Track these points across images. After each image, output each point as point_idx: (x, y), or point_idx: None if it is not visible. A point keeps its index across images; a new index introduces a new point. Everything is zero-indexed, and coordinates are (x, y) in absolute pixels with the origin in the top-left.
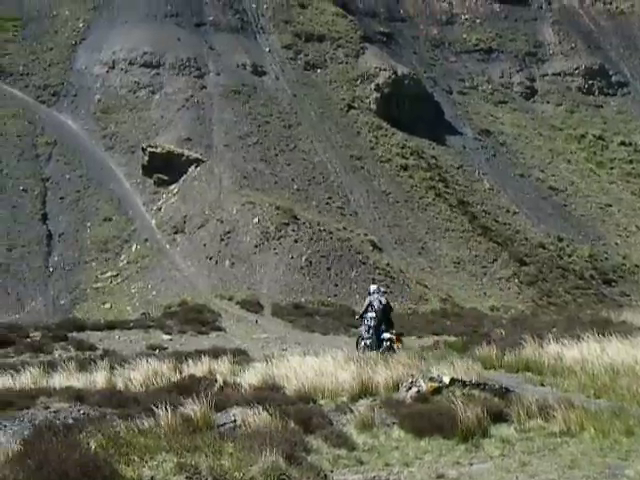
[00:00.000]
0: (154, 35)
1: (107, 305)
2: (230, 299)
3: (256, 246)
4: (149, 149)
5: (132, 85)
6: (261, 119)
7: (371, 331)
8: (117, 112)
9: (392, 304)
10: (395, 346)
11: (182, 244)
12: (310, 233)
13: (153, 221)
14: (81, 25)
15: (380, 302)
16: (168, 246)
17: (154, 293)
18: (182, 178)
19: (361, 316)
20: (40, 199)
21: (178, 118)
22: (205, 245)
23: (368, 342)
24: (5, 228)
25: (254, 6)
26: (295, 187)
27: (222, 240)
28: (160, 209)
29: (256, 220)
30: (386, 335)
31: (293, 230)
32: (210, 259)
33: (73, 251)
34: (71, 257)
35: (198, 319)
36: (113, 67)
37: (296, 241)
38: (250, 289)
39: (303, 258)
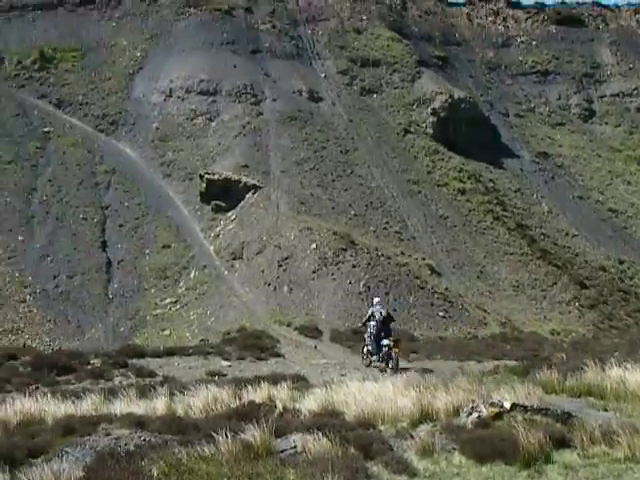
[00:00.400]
0: (210, 63)
1: (166, 332)
2: (288, 325)
3: (314, 272)
4: (206, 176)
5: (189, 113)
6: (318, 145)
7: (372, 337)
8: (174, 140)
9: (393, 314)
10: (393, 351)
11: (240, 270)
12: (368, 258)
13: (211, 248)
14: (138, 54)
15: (381, 313)
16: (226, 272)
17: (213, 319)
18: (240, 205)
19: (364, 324)
20: (99, 227)
21: (235, 145)
22: (263, 271)
23: (370, 347)
24: (65, 256)
25: (309, 32)
26: (352, 212)
27: (280, 266)
28: (218, 236)
29: (314, 246)
30: (385, 342)
31: (351, 255)
32: (268, 285)
33: (132, 278)
34: (130, 284)
35: (257, 345)
36: (170, 95)
37: (354, 266)
38: (308, 315)
39: (361, 283)
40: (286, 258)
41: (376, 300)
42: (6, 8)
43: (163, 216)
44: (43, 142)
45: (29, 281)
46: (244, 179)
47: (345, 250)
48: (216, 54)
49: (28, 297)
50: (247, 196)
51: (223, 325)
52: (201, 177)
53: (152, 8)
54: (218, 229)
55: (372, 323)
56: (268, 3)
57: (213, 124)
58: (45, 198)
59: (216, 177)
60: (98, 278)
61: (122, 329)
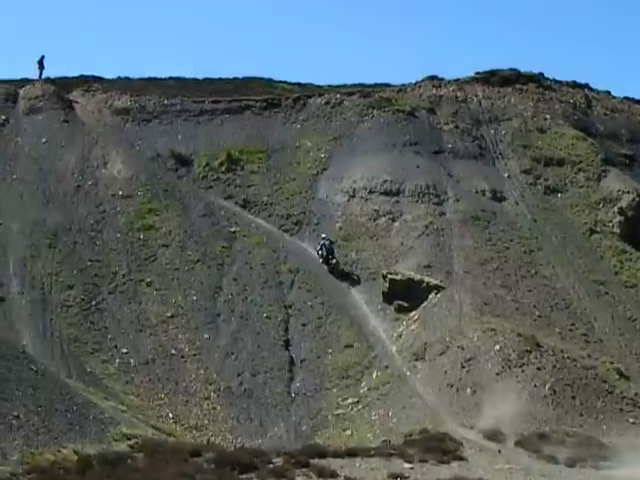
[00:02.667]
0: (393, 163)
1: (348, 432)
2: (472, 428)
3: (498, 374)
4: (389, 276)
5: (372, 213)
6: (501, 245)
7: (322, 258)
8: (357, 240)
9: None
10: (335, 267)
11: (422, 371)
12: (553, 361)
13: (393, 348)
14: (322, 156)
15: (326, 243)
16: (408, 373)
17: (395, 420)
18: (422, 305)
19: (318, 251)
20: (283, 326)
21: (417, 245)
22: (446, 372)
23: (321, 261)
24: (249, 354)
25: (492, 132)
26: (537, 313)
27: (463, 367)
28: (400, 336)
29: (497, 347)
30: (333, 261)
31: (536, 358)
32: (451, 386)
33: (314, 377)
34: (312, 383)
35: (439, 448)
36: (354, 196)
37: (539, 369)
38: (492, 418)
39: (546, 386)
40: (469, 359)
41: (323, 235)
42: (196, 112)
43: (346, 315)
44: (229, 242)
45: (214, 378)
46: (427, 279)
47: (530, 352)
48: (399, 155)
49: (212, 394)
50: (430, 296)
51: (405, 426)
52: (384, 277)
53: (336, 110)
54: (400, 329)
55: (320, 248)
56: (451, 104)
57: (396, 224)
58: (230, 297)
59: (399, 277)
60: (281, 376)
61: (304, 428)
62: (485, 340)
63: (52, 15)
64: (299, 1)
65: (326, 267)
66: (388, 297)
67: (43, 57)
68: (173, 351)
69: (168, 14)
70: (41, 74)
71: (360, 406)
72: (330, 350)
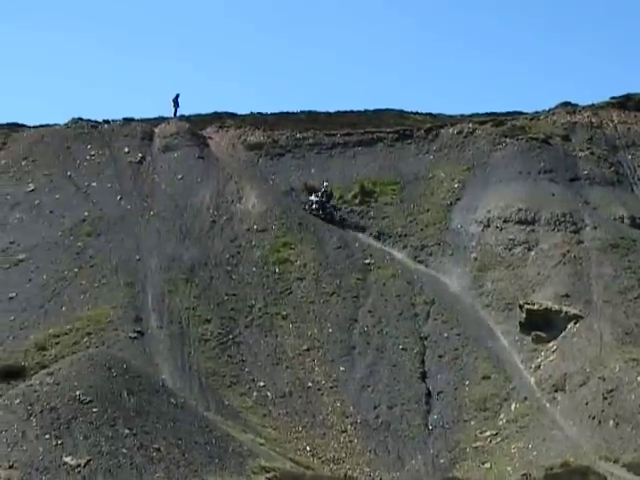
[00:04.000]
0: (528, 192)
1: (487, 465)
2: (615, 461)
3: None
4: (526, 306)
5: (507, 242)
6: None
7: (320, 202)
8: (493, 270)
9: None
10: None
11: (562, 403)
12: None
13: (532, 379)
14: (456, 186)
15: (327, 190)
16: (548, 405)
17: (534, 453)
18: (561, 335)
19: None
20: (419, 358)
21: (554, 274)
22: (587, 404)
23: (314, 206)
24: (385, 386)
25: (629, 157)
26: None
27: (605, 399)
28: (539, 367)
29: None
30: (331, 203)
31: None
32: (593, 419)
33: (452, 409)
34: (450, 415)
35: None
36: (488, 225)
37: None
38: (637, 451)
39: None
40: (611, 391)
41: (325, 184)
42: (329, 146)
43: (482, 347)
44: (364, 274)
45: (350, 411)
46: (565, 309)
47: None
48: (533, 183)
49: (349, 427)
50: (568, 326)
51: (545, 459)
52: (521, 307)
53: (469, 140)
54: (539, 360)
55: (321, 194)
56: (586, 130)
57: (532, 253)
58: (366, 329)
59: (536, 307)
60: (418, 409)
61: (442, 461)
62: (627, 370)
63: (185, 57)
64: (430, 35)
65: (321, 213)
66: (525, 327)
67: (178, 95)
68: (309, 384)
69: (298, 49)
70: (176, 112)
71: (499, 439)
72: (467, 382)
